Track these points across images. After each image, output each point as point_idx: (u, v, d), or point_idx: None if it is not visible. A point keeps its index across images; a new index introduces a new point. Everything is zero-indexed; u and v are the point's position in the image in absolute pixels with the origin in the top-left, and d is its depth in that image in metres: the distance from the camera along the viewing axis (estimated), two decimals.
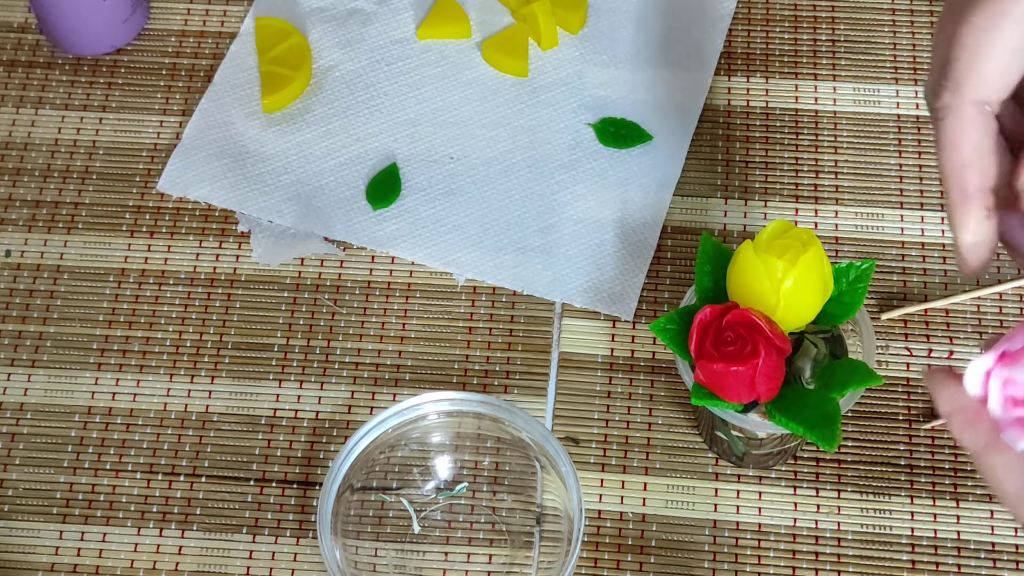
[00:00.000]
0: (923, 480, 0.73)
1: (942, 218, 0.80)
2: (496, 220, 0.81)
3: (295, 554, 0.72)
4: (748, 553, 0.71)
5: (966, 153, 0.52)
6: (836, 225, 0.80)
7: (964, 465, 0.72)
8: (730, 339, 0.64)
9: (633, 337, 0.77)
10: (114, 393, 0.76)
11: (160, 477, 0.74)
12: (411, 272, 0.80)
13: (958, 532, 0.71)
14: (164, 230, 0.81)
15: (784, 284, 0.64)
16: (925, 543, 0.71)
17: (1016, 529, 0.71)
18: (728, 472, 0.73)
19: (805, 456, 0.73)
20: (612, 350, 0.77)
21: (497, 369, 0.76)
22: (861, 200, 0.81)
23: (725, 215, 0.81)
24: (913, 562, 0.71)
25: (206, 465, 0.74)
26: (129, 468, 0.74)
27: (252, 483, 0.74)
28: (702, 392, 0.65)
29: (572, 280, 0.79)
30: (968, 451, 0.52)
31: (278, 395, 0.76)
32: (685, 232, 0.80)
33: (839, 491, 0.73)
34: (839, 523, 0.72)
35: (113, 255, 0.81)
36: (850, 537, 0.72)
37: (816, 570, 0.71)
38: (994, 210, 0.53)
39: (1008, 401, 0.50)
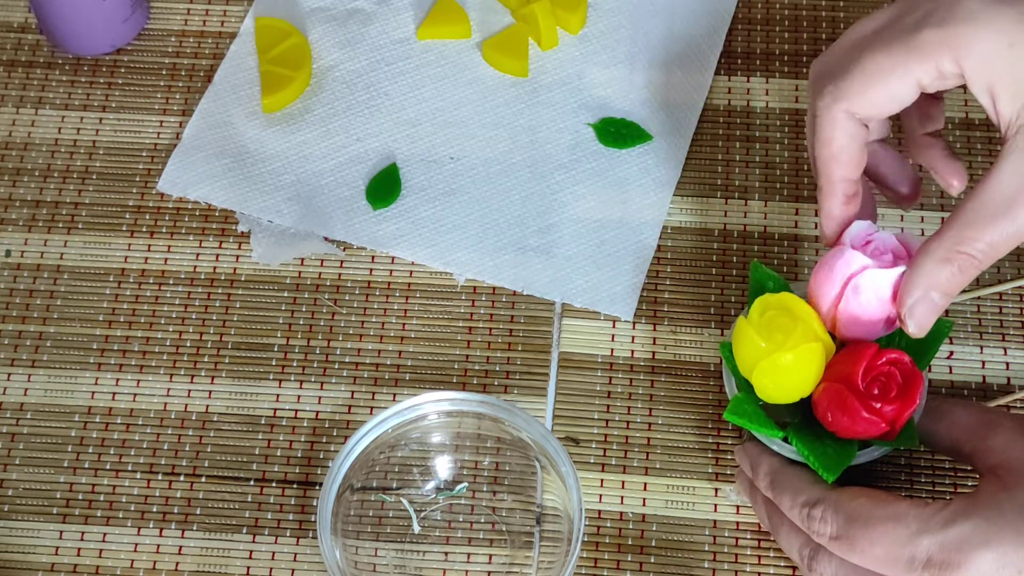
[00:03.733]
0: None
1: (942, 218, 0.80)
2: (496, 220, 0.81)
3: (295, 554, 0.72)
4: (748, 553, 0.71)
5: (835, 149, 0.63)
6: None
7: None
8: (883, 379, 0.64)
9: (633, 337, 0.77)
10: (114, 393, 0.76)
11: (160, 477, 0.74)
12: (411, 272, 0.80)
13: None
14: (164, 230, 0.81)
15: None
16: None
17: None
18: (728, 472, 0.73)
19: None
20: (612, 350, 0.77)
21: (497, 369, 0.76)
22: None
23: (725, 215, 0.81)
24: None
25: (206, 465, 0.74)
26: (129, 468, 0.74)
27: (252, 483, 0.74)
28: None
29: (572, 280, 0.79)
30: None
31: (278, 395, 0.76)
32: (685, 232, 0.80)
33: None
34: None
35: (113, 255, 0.81)
36: None
37: None
38: (852, 197, 0.64)
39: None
